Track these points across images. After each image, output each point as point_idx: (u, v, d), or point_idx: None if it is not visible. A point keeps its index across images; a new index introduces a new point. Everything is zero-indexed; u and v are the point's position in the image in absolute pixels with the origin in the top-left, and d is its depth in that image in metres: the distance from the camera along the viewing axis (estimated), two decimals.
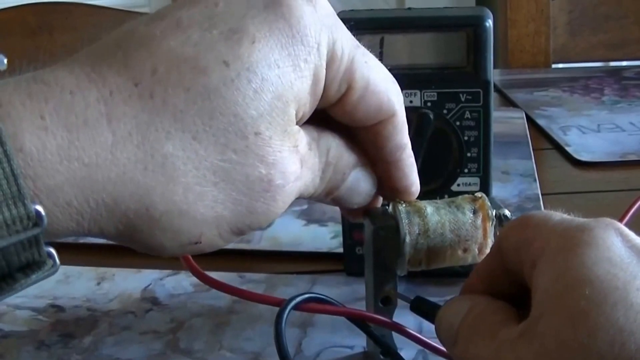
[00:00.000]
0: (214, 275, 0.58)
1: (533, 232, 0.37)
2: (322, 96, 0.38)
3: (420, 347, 0.46)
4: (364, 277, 0.57)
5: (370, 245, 0.44)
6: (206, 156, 0.34)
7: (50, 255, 0.33)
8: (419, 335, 0.45)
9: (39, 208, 0.31)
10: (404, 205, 0.43)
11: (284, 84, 0.35)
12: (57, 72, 0.33)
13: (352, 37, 0.39)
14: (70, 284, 0.59)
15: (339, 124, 0.41)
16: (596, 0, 1.28)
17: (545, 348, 0.32)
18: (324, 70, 0.37)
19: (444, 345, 0.40)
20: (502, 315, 0.37)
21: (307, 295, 0.45)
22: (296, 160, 0.37)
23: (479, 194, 0.44)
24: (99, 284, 0.59)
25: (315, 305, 0.46)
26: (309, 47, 0.36)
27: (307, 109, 0.38)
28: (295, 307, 0.44)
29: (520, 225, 0.38)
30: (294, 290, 0.57)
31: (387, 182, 0.43)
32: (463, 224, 0.43)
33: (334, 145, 0.40)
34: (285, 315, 0.43)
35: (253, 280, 0.58)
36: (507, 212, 0.43)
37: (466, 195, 0.44)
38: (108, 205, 0.33)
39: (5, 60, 0.37)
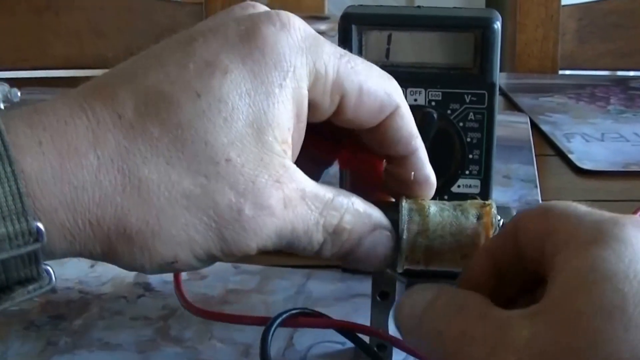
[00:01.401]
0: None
1: (557, 221, 0.36)
2: (316, 113, 0.39)
3: None
4: (359, 274, 0.57)
5: None
6: (179, 181, 0.36)
7: (47, 272, 0.35)
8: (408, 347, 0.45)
9: (40, 225, 0.34)
10: (408, 202, 0.43)
11: (255, 112, 0.37)
12: (55, 104, 0.36)
13: (335, 48, 0.40)
14: (64, 266, 0.58)
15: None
16: (606, 9, 1.28)
17: (577, 332, 0.31)
18: (306, 92, 0.38)
19: (401, 332, 0.39)
20: (481, 298, 0.36)
21: (293, 311, 0.45)
22: (274, 196, 0.37)
23: (489, 201, 0.43)
24: (92, 266, 0.59)
25: (302, 319, 0.46)
26: (284, 72, 0.37)
27: (293, 131, 0.38)
28: (282, 324, 0.44)
29: (542, 215, 0.38)
30: (288, 284, 0.57)
31: (406, 176, 0.43)
32: (465, 229, 0.42)
33: (351, 208, 0.40)
34: (270, 335, 0.44)
35: (248, 272, 0.58)
36: None
37: (475, 201, 0.43)
38: (93, 226, 0.35)
39: (19, 94, 0.39)
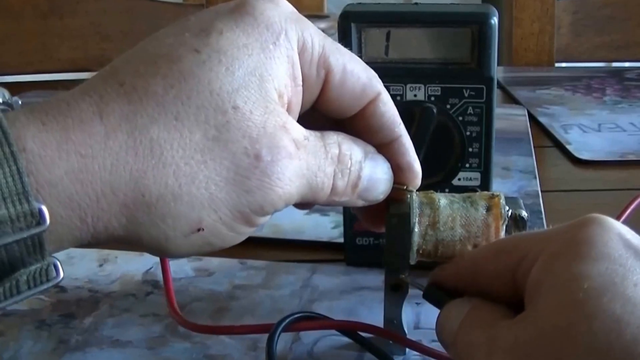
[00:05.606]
0: (216, 261, 0.59)
1: (528, 240, 0.39)
2: (305, 87, 0.40)
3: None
4: (363, 267, 0.58)
5: (385, 232, 0.44)
6: (190, 135, 0.35)
7: (54, 265, 0.34)
8: (412, 340, 0.46)
9: (43, 208, 0.33)
10: (418, 195, 0.44)
11: (254, 62, 0.37)
12: (58, 94, 0.36)
13: (320, 30, 0.41)
14: (73, 265, 0.59)
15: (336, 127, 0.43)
16: (600, 2, 1.29)
17: (543, 331, 0.34)
18: (297, 56, 0.39)
19: (443, 346, 0.41)
20: (501, 312, 0.39)
21: (296, 316, 0.46)
22: (286, 138, 0.38)
23: (497, 192, 0.44)
24: (101, 265, 0.60)
25: (304, 323, 0.47)
26: (276, 33, 0.39)
27: (290, 94, 0.39)
28: (285, 329, 0.45)
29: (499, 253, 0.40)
30: (293, 278, 0.57)
31: (392, 162, 0.44)
32: (474, 220, 0.43)
33: (341, 138, 0.41)
34: (275, 343, 0.44)
35: (254, 267, 0.59)
36: (523, 213, 0.44)
37: (484, 192, 0.44)
38: (107, 195, 0.34)
39: (20, 102, 0.40)
